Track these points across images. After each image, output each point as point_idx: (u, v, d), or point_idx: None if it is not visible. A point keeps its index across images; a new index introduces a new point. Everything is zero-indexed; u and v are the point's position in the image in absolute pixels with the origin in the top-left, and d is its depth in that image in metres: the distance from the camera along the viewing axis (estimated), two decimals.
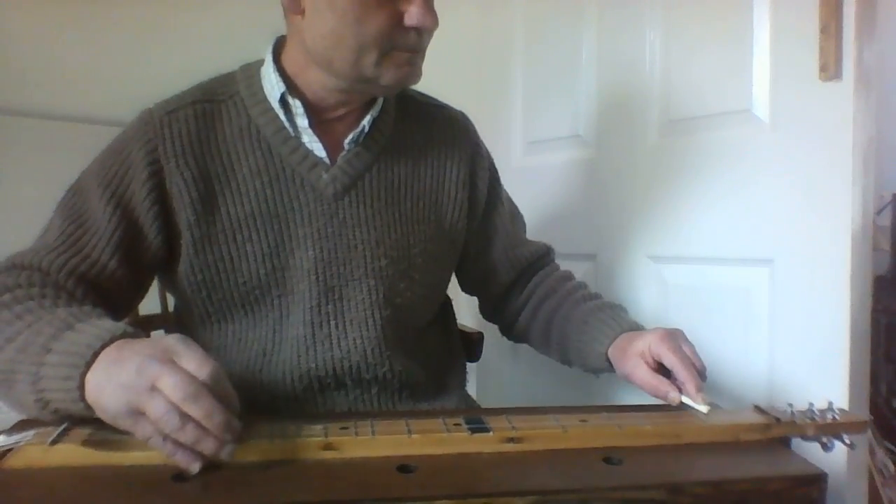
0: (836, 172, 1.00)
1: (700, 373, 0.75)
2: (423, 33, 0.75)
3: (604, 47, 1.35)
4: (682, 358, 0.75)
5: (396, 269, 0.85)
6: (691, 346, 0.78)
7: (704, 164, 1.17)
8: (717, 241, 1.16)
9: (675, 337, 0.78)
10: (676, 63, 1.21)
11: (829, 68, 0.98)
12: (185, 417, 0.54)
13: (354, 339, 0.83)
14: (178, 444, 0.55)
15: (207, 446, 0.55)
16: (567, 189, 1.42)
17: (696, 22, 1.18)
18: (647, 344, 0.78)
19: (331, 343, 0.82)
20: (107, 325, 0.63)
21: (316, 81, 0.80)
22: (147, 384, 0.54)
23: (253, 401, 0.81)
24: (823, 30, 0.99)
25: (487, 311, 1.08)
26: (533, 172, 1.48)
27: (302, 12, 0.76)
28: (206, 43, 1.52)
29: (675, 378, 0.75)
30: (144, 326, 1.07)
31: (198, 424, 0.54)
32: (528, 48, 1.52)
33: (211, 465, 0.56)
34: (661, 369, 0.78)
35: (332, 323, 0.82)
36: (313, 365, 0.81)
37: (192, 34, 1.53)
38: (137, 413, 0.55)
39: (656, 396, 0.77)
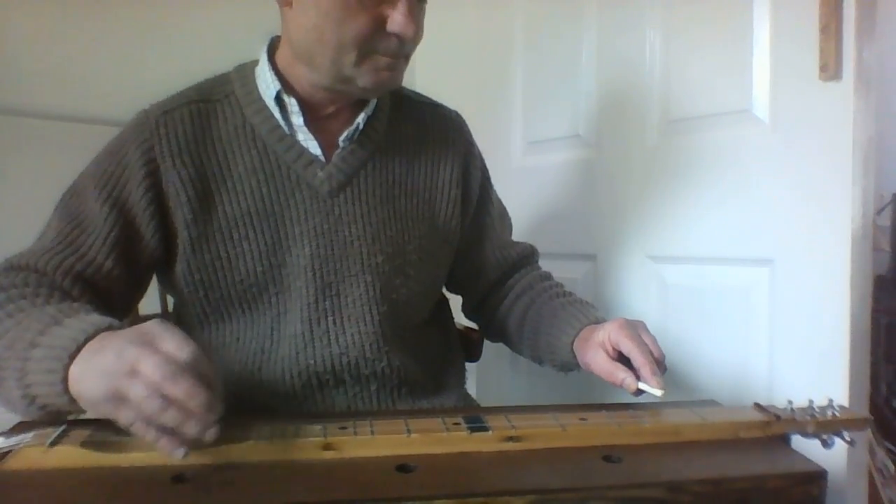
0: (836, 172, 1.00)
1: (658, 362, 0.75)
2: (404, 40, 0.76)
3: (604, 47, 1.34)
4: (639, 345, 0.75)
5: (392, 265, 0.86)
6: (651, 336, 0.78)
7: (704, 164, 1.17)
8: (717, 241, 1.16)
9: (634, 326, 0.79)
10: (676, 63, 1.21)
11: (829, 68, 0.98)
12: (165, 399, 0.53)
13: (352, 335, 0.83)
14: (162, 429, 0.54)
15: (190, 428, 0.54)
16: (567, 189, 1.42)
17: (696, 22, 1.18)
18: (606, 333, 0.79)
19: (328, 339, 0.82)
20: (93, 319, 0.62)
21: (303, 77, 0.81)
22: (127, 368, 0.54)
23: (252, 399, 0.81)
24: (823, 30, 0.99)
25: (469, 309, 1.08)
26: (533, 172, 1.48)
27: (290, 3, 0.76)
28: (205, 44, 1.52)
29: (633, 364, 0.76)
30: None
31: (179, 406, 0.53)
32: (528, 48, 1.52)
33: (209, 467, 0.56)
34: (622, 359, 0.78)
35: (330, 319, 0.82)
36: (312, 361, 0.82)
37: (191, 35, 1.53)
38: (119, 398, 0.54)
39: (613, 383, 0.77)
